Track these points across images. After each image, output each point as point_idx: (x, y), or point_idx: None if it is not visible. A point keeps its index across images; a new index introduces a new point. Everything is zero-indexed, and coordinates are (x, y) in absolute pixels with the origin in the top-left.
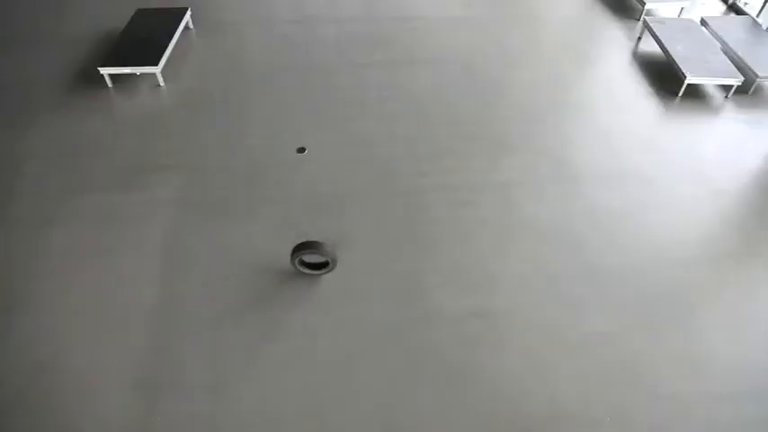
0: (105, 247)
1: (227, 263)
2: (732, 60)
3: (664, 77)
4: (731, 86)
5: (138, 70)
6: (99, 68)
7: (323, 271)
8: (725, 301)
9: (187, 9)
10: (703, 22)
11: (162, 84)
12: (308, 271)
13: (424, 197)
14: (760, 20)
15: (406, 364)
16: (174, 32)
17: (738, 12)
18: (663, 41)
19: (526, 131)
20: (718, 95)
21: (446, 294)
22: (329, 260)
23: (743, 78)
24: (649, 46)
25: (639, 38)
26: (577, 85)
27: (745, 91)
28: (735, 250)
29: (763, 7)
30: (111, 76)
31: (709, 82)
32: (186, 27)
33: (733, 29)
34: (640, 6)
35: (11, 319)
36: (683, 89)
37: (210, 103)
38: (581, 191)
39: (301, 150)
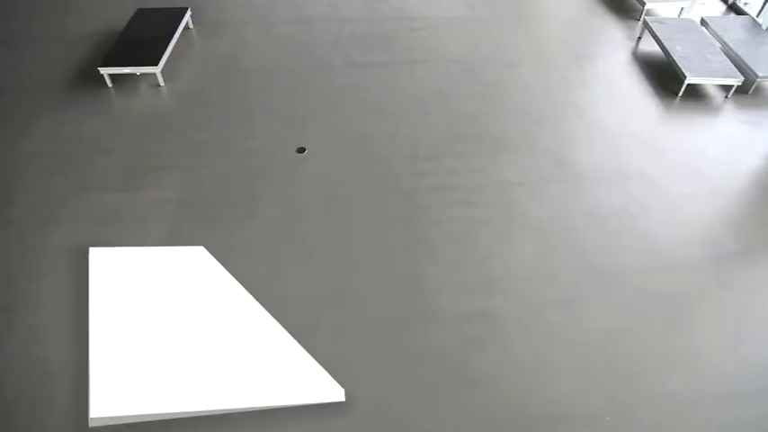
0: (105, 246)
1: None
2: (732, 60)
3: (664, 77)
4: (731, 86)
5: (138, 70)
6: (99, 68)
7: None
8: (725, 300)
9: (187, 9)
10: (703, 22)
11: (162, 83)
12: None
13: (425, 197)
14: (760, 20)
15: (406, 364)
16: (174, 32)
17: (738, 12)
18: (663, 41)
19: (526, 131)
20: (718, 95)
21: (446, 294)
22: None
23: (743, 78)
24: (649, 46)
25: (639, 38)
26: (577, 85)
27: (745, 91)
28: (735, 250)
29: (763, 7)
30: (111, 76)
31: (709, 82)
32: (186, 27)
33: (733, 29)
34: (640, 6)
35: (11, 318)
36: (683, 89)
37: (210, 102)
38: (581, 191)
39: (301, 150)
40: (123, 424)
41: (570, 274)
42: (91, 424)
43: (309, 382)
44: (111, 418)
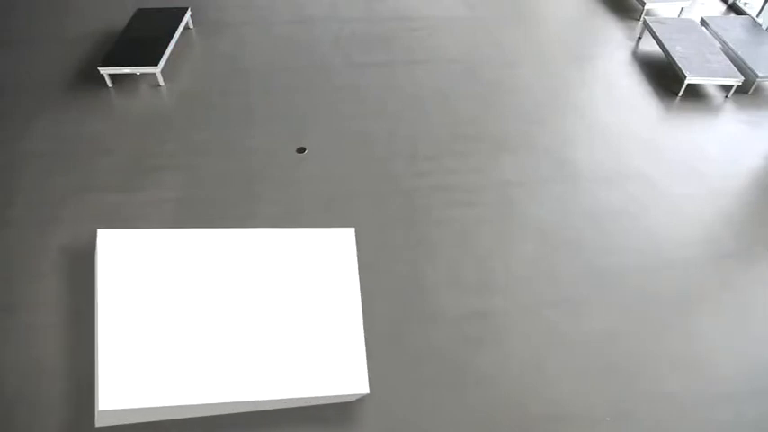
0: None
1: None
2: (732, 60)
3: (664, 77)
4: (731, 86)
5: (138, 70)
6: (99, 68)
7: None
8: (725, 300)
9: (187, 9)
10: (703, 22)
11: (162, 83)
12: None
13: (425, 197)
14: (760, 20)
15: (406, 364)
16: (174, 32)
17: (738, 12)
18: (663, 41)
19: (526, 131)
20: (718, 95)
21: (446, 294)
22: None
23: (743, 78)
24: (649, 46)
25: (639, 38)
26: (577, 84)
27: (745, 91)
28: (735, 250)
29: (763, 7)
30: (111, 76)
31: (709, 82)
32: (186, 27)
33: (733, 29)
34: (640, 6)
35: (11, 318)
36: (683, 89)
37: (210, 102)
38: (581, 191)
39: (301, 150)
40: (129, 425)
41: (570, 274)
42: (98, 423)
43: (332, 374)
44: (120, 411)
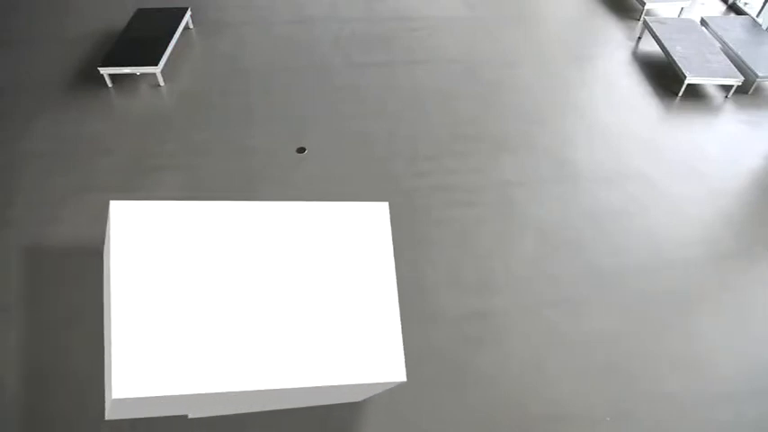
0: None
1: None
2: (732, 60)
3: (664, 77)
4: (731, 86)
5: (138, 70)
6: (99, 68)
7: None
8: (725, 301)
9: (187, 9)
10: (703, 22)
11: (162, 83)
12: None
13: (425, 197)
14: (760, 20)
15: (406, 364)
16: (174, 32)
17: (738, 12)
18: (663, 41)
19: (526, 131)
20: (718, 95)
21: (446, 294)
22: None
23: (743, 78)
24: (649, 46)
25: (639, 38)
26: (577, 84)
27: (745, 91)
28: (734, 250)
29: (763, 7)
30: (111, 76)
31: (709, 82)
32: (186, 27)
33: (733, 29)
34: (640, 6)
35: (11, 318)
36: (683, 89)
37: (210, 102)
38: (581, 191)
39: (301, 150)
40: (131, 422)
41: (570, 274)
42: (109, 415)
43: (367, 360)
44: (136, 400)
